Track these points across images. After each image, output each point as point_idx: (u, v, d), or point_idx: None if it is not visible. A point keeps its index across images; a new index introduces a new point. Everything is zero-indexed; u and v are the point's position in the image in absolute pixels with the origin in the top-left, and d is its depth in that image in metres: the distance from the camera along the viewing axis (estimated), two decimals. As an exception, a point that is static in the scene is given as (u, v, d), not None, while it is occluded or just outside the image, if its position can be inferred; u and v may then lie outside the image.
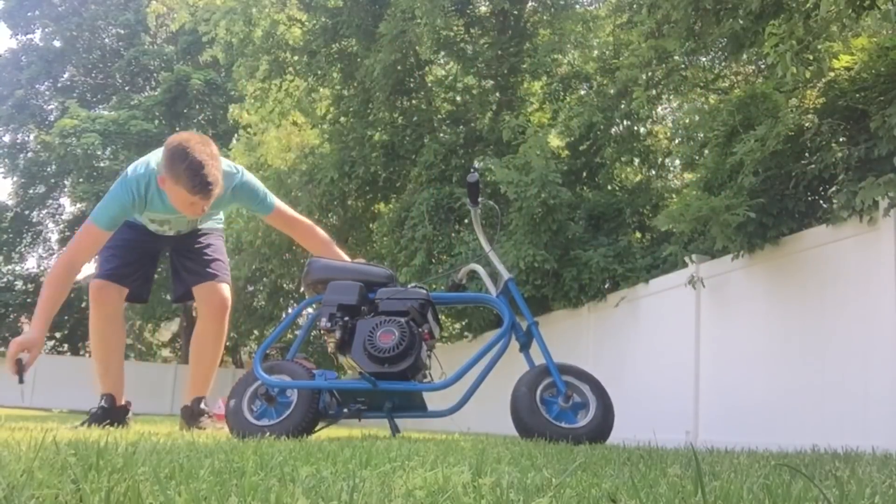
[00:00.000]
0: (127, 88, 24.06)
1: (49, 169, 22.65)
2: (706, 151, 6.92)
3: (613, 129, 10.11)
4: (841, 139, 5.37)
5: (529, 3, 12.50)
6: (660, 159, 10.89)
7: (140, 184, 3.20)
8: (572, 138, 10.53)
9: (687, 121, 8.04)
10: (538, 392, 3.03)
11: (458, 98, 13.31)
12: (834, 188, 5.19)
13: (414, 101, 12.86)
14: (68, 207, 24.80)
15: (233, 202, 3.48)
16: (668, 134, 10.78)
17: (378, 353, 2.98)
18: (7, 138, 23.33)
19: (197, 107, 21.95)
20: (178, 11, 13.99)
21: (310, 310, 3.57)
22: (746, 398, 5.79)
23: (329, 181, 12.04)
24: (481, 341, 9.99)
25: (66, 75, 24.48)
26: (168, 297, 22.35)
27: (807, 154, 5.54)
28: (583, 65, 11.88)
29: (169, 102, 21.30)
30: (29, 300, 23.80)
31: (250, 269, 14.38)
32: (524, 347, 3.23)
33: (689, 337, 6.58)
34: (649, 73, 7.83)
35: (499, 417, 4.48)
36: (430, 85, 13.19)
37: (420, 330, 3.09)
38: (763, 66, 8.34)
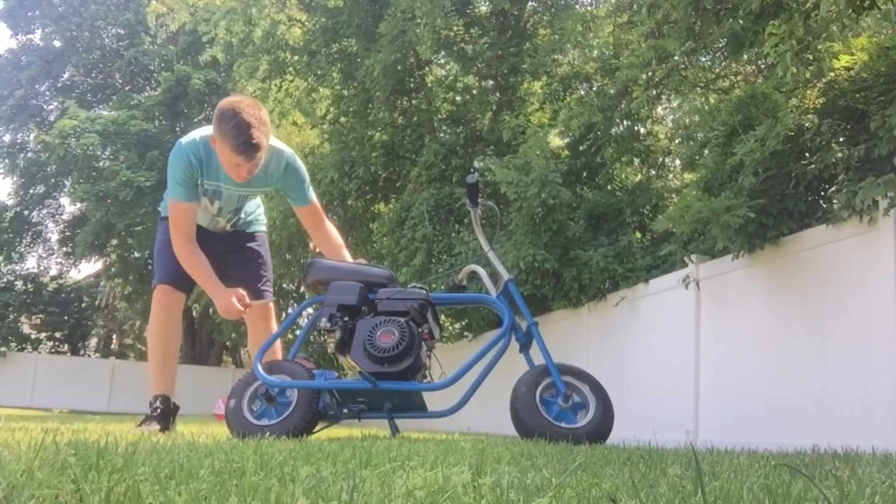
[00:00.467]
0: (127, 88, 24.05)
1: (49, 169, 22.62)
2: (706, 151, 6.92)
3: (613, 129, 10.11)
4: (841, 139, 5.37)
5: (529, 3, 12.50)
6: (660, 159, 10.89)
7: (196, 147, 3.27)
8: (572, 138, 10.53)
9: (687, 121, 8.05)
10: (538, 392, 3.04)
11: (458, 98, 13.31)
12: (834, 188, 5.19)
13: (414, 101, 12.86)
14: (68, 207, 24.83)
15: (283, 180, 3.48)
16: (668, 134, 10.78)
17: (378, 353, 2.98)
18: (7, 138, 23.29)
19: (197, 107, 21.94)
20: (178, 11, 13.99)
21: (310, 310, 3.57)
22: (746, 398, 5.79)
23: (329, 181, 12.04)
24: (481, 341, 9.99)
25: (66, 75, 24.45)
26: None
27: (807, 154, 5.54)
28: (583, 65, 11.88)
29: (169, 102, 21.29)
30: (29, 300, 23.83)
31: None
32: (524, 348, 3.23)
33: (689, 337, 6.58)
34: (649, 73, 7.82)
35: (499, 417, 4.48)
36: (430, 85, 13.19)
37: (420, 330, 3.09)
38: (763, 66, 8.34)
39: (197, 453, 1.71)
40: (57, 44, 23.78)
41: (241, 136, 3.01)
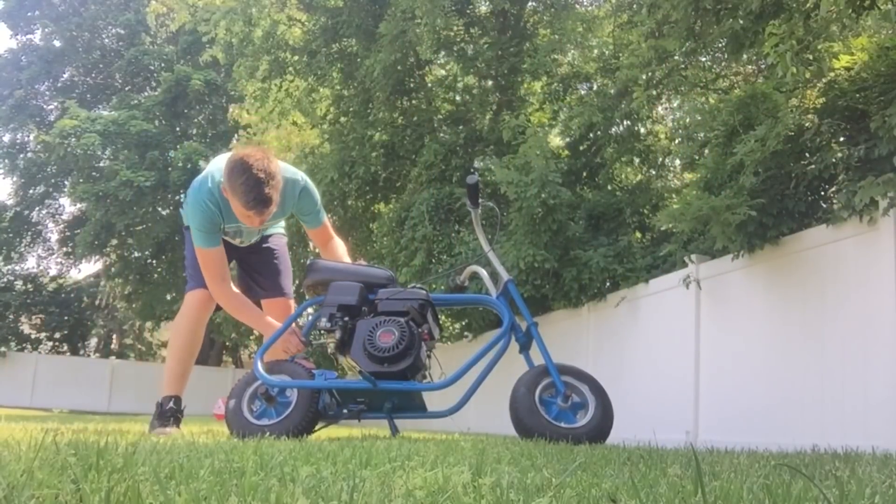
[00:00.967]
0: (127, 88, 24.05)
1: (49, 169, 22.62)
2: (706, 151, 6.92)
3: (613, 129, 10.11)
4: (841, 139, 5.37)
5: (529, 3, 12.50)
6: (660, 159, 10.89)
7: (213, 194, 3.31)
8: (572, 138, 10.53)
9: (687, 121, 8.06)
10: (537, 392, 3.04)
11: (458, 98, 13.31)
12: (834, 188, 5.19)
13: (414, 101, 12.86)
14: (68, 207, 24.83)
15: (297, 205, 3.54)
16: (668, 134, 10.78)
17: (378, 353, 2.99)
18: (7, 138, 23.30)
19: (197, 107, 21.95)
20: (178, 11, 13.99)
21: (310, 310, 3.58)
22: (746, 398, 5.79)
23: (329, 181, 12.04)
24: (481, 341, 9.99)
25: (66, 75, 24.46)
26: (168, 298, 22.42)
27: (807, 154, 5.54)
28: (583, 65, 11.88)
29: (169, 102, 21.30)
30: (28, 300, 23.83)
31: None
32: (524, 348, 3.23)
33: (689, 337, 6.57)
34: (649, 73, 7.83)
35: (499, 417, 4.49)
36: (430, 85, 13.18)
37: (419, 330, 3.09)
38: (763, 66, 8.34)
39: (197, 453, 1.72)
40: (57, 44, 23.78)
41: (251, 193, 3.04)
